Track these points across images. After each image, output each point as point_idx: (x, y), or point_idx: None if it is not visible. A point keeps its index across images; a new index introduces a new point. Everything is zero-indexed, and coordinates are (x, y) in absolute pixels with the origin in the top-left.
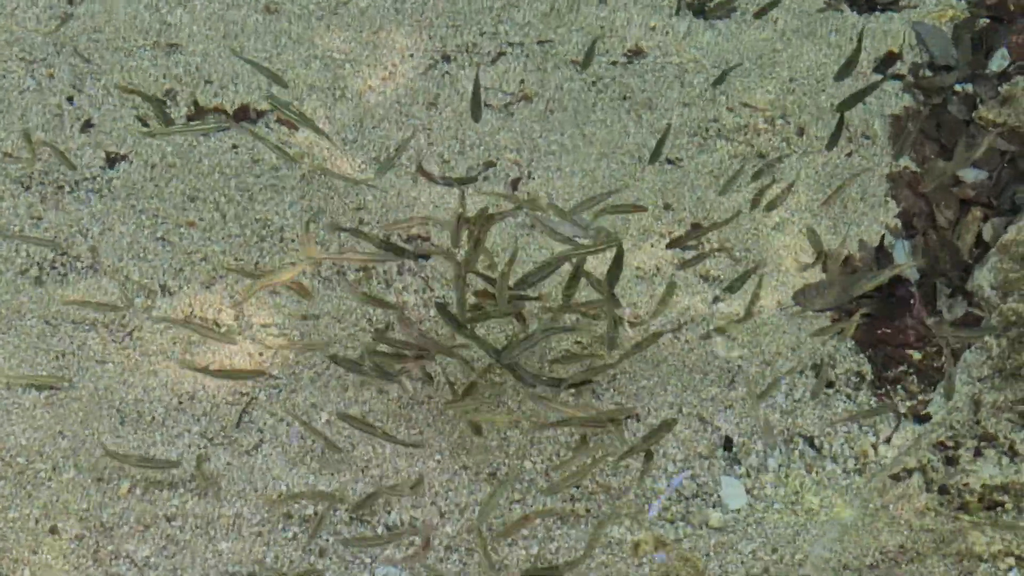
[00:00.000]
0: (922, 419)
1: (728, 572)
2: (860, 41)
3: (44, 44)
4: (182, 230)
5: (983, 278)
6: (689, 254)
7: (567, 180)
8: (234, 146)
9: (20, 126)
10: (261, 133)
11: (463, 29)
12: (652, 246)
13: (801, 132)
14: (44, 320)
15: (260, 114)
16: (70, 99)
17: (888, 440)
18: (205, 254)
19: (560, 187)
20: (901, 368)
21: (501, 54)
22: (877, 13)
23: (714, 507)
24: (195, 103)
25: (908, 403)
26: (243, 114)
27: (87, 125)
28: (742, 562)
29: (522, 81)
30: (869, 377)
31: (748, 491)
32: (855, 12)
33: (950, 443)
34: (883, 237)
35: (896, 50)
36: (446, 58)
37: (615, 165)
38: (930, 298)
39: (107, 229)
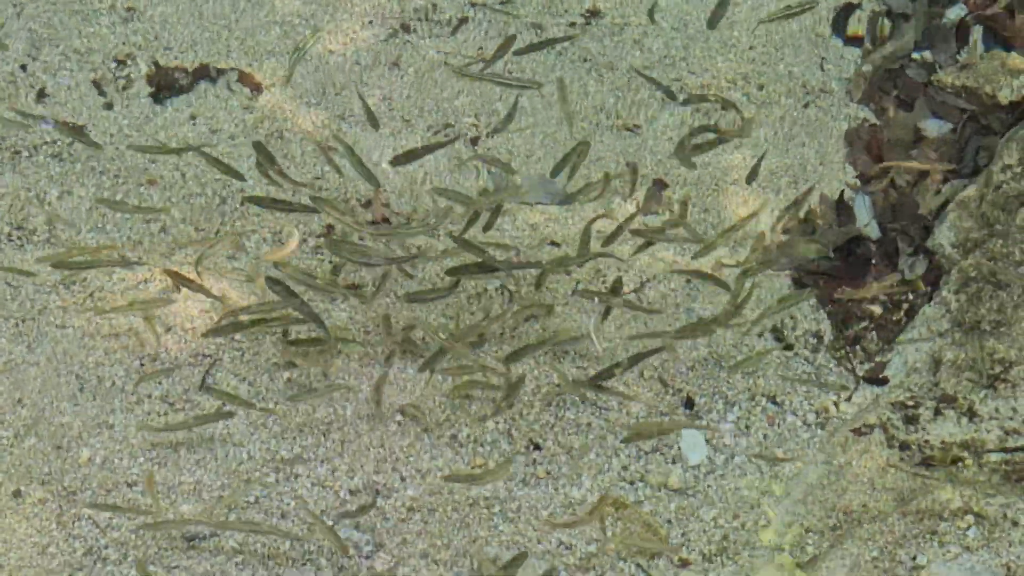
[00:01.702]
0: (880, 382)
1: (691, 540)
2: None
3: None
4: (142, 190)
5: (943, 236)
6: (652, 217)
7: (527, 140)
8: (192, 117)
9: None
10: (222, 93)
11: None
12: (612, 208)
13: (761, 88)
14: (4, 282)
15: (220, 72)
16: (23, 67)
17: (848, 399)
18: (164, 224)
19: (520, 146)
20: (861, 325)
21: (463, 19)
22: None
23: (674, 463)
24: (155, 63)
25: (866, 365)
26: (203, 73)
27: (41, 94)
28: (704, 530)
29: (481, 48)
30: (828, 337)
31: (708, 441)
32: None
33: (910, 403)
34: (843, 192)
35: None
36: (405, 28)
37: (576, 125)
38: (891, 256)
39: (66, 192)
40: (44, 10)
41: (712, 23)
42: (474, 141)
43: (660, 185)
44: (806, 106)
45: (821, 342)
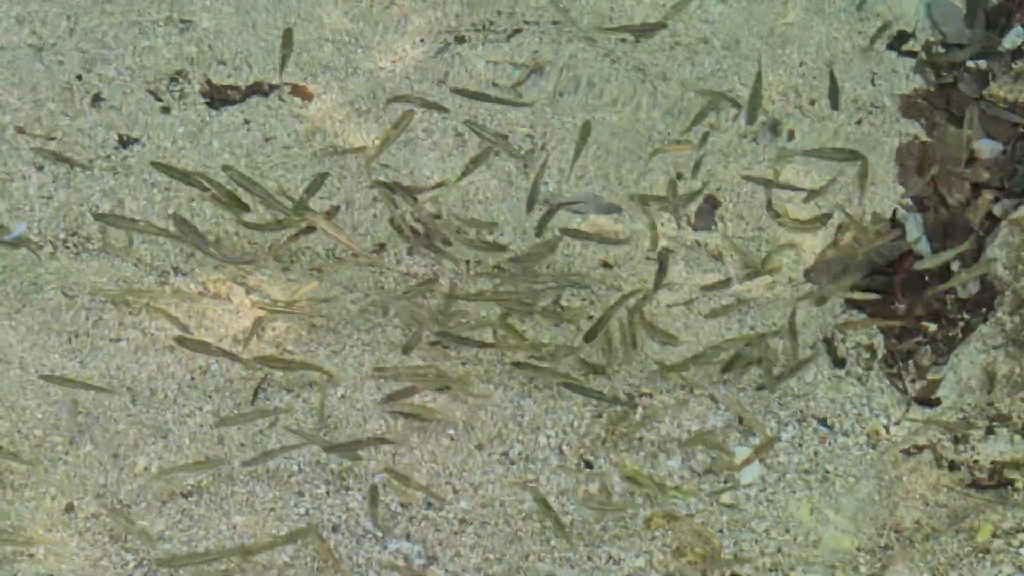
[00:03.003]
0: (932, 404)
1: (743, 550)
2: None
3: (56, 20)
4: (193, 204)
5: (994, 252)
6: (702, 234)
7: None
8: (246, 121)
9: (31, 98)
10: (274, 105)
11: (478, 8)
12: (662, 224)
13: (813, 103)
14: (61, 292)
15: (272, 87)
16: (79, 77)
17: (899, 423)
18: (217, 235)
19: (571, 165)
20: (915, 340)
21: (517, 30)
22: None
23: (727, 481)
24: (208, 81)
25: (918, 383)
26: (256, 89)
27: (97, 99)
28: (756, 540)
29: (536, 52)
30: (880, 352)
31: (761, 460)
32: None
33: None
34: (895, 211)
35: (909, 30)
36: (460, 39)
37: (630, 137)
38: (944, 276)
39: (118, 206)
40: (98, 24)
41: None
42: (527, 158)
43: (712, 203)
44: (859, 122)
45: (874, 357)
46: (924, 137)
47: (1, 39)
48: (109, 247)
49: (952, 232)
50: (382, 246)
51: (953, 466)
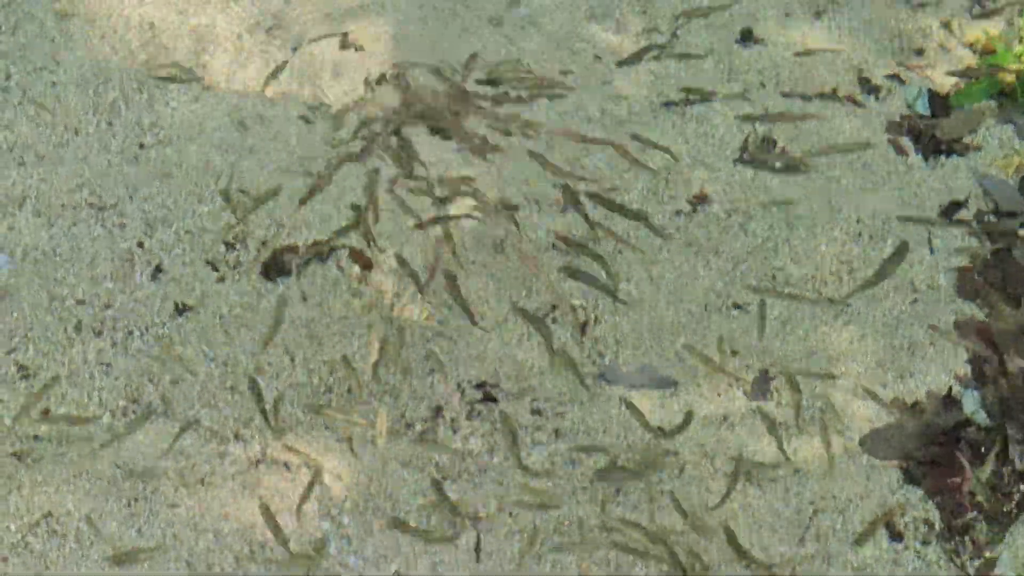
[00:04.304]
0: None
1: None
2: None
3: (115, 186)
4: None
5: None
6: (757, 402)
7: (634, 324)
8: (303, 294)
9: (89, 273)
10: (331, 272)
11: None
12: (719, 395)
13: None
14: (115, 465)
15: (331, 251)
16: (140, 244)
17: None
18: (275, 404)
19: (628, 332)
20: (970, 515)
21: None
22: (942, 159)
23: None
24: (263, 243)
25: (975, 562)
26: (313, 251)
27: (157, 271)
28: None
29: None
30: (938, 527)
31: None
32: (920, 155)
33: None
34: (951, 388)
35: (961, 200)
36: (511, 207)
37: (684, 310)
38: (1002, 446)
39: (178, 378)
40: (158, 191)
41: None
42: (583, 329)
43: (766, 376)
44: (914, 302)
45: (932, 531)
46: (981, 316)
47: (64, 198)
48: (171, 412)
49: (1011, 404)
50: (438, 410)
51: None
